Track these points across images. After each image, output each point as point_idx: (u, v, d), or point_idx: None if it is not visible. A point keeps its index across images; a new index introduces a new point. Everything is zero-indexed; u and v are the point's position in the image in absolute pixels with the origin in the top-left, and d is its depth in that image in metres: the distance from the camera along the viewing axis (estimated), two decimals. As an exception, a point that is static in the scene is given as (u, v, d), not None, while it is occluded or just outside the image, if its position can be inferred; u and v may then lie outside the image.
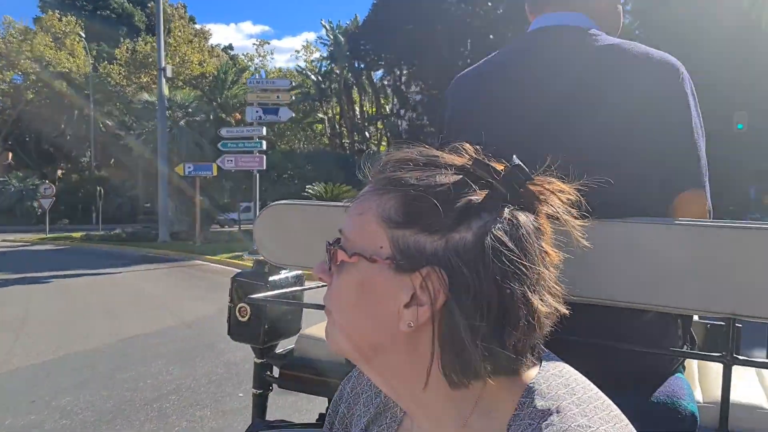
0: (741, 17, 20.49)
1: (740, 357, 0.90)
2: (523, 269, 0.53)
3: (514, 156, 0.58)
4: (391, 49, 30.67)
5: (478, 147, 0.60)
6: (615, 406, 0.57)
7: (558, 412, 0.53)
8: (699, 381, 1.18)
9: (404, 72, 34.37)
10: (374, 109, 39.80)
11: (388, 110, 38.43)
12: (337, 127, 41.44)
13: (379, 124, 39.65)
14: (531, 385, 0.56)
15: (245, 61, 45.59)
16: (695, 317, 1.22)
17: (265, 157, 16.06)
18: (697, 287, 0.88)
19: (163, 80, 20.17)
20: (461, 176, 0.56)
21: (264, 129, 16.29)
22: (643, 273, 0.91)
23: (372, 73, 38.49)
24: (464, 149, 0.60)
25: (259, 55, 48.20)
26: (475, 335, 0.53)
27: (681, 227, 0.89)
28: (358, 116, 39.62)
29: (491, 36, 25.88)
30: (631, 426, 0.55)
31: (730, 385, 0.90)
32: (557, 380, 0.57)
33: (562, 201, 0.58)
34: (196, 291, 10.08)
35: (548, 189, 0.58)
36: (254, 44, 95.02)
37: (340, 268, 0.59)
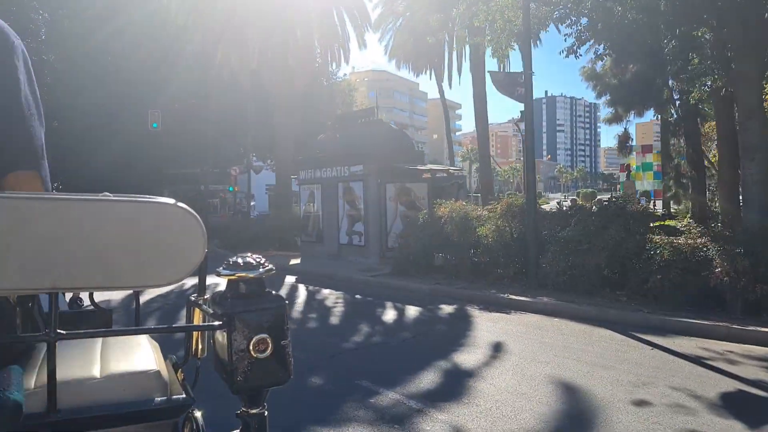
0: (154, 11, 18.73)
1: (64, 332, 0.91)
2: None
3: None
4: None
5: None
6: None
7: None
8: (40, 368, 1.07)
9: None
10: None
11: None
12: None
13: None
14: None
15: None
16: (41, 303, 1.19)
17: None
18: (18, 264, 0.85)
19: None
20: None
21: None
22: None
23: None
24: None
25: None
26: None
27: None
28: None
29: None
30: None
31: (55, 362, 0.92)
32: None
33: None
34: None
35: None
36: None
37: None
